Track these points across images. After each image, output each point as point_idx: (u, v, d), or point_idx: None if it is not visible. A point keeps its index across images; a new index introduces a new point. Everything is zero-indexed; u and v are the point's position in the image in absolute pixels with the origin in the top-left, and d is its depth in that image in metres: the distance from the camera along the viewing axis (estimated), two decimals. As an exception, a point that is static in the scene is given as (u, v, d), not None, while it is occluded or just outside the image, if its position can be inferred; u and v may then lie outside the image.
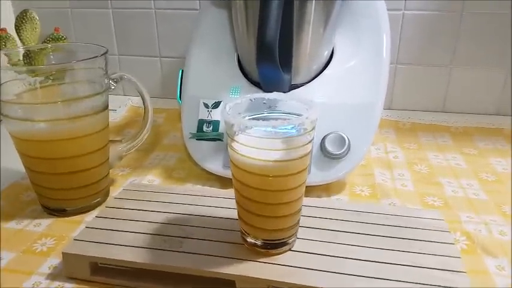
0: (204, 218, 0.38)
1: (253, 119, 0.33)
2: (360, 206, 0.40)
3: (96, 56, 0.39)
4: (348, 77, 0.49)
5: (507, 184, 0.48)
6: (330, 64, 0.50)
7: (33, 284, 0.33)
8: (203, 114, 0.49)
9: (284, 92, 0.48)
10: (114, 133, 0.62)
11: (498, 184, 0.48)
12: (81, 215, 0.42)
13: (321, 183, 0.46)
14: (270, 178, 0.30)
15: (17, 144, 0.40)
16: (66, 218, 0.42)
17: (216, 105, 0.49)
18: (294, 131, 0.29)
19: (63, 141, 0.39)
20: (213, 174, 0.48)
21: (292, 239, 0.34)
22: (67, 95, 0.39)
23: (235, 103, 0.32)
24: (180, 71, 0.53)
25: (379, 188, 0.47)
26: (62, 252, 0.33)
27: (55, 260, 0.36)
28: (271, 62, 0.43)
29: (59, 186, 0.41)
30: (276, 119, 0.33)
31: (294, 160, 0.30)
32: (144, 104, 0.45)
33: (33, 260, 0.36)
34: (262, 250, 0.33)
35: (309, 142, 0.30)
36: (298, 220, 0.34)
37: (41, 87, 0.39)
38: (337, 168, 0.45)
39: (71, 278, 0.34)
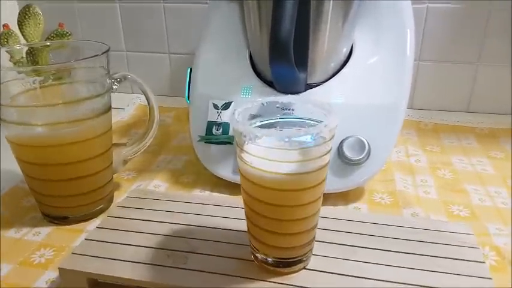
0: (211, 230, 0.35)
1: (265, 125, 0.30)
2: (380, 218, 0.36)
3: (97, 55, 0.36)
4: (368, 75, 0.45)
5: (539, 192, 0.45)
6: (349, 62, 0.46)
7: (28, 301, 0.31)
8: (212, 116, 0.47)
9: (299, 92, 0.45)
10: (120, 133, 0.60)
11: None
12: (83, 223, 0.40)
13: (338, 191, 0.43)
14: (283, 192, 0.27)
15: (14, 150, 0.37)
16: (67, 227, 0.40)
17: (226, 106, 0.47)
18: (310, 139, 0.27)
19: (62, 146, 0.36)
20: (223, 179, 0.45)
21: (307, 256, 0.31)
22: (66, 96, 0.37)
23: (245, 108, 0.29)
24: (189, 70, 0.51)
25: (401, 196, 0.44)
26: (59, 268, 0.31)
27: (53, 274, 0.34)
28: (286, 60, 0.40)
29: (59, 193, 0.38)
30: (290, 126, 0.30)
31: (310, 173, 0.27)
32: (149, 106, 0.42)
33: (30, 273, 0.34)
34: (274, 268, 0.30)
35: (327, 152, 0.27)
36: (314, 236, 0.31)
37: (40, 87, 0.36)
38: (356, 174, 0.42)
39: (69, 294, 0.32)
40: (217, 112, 0.47)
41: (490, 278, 0.30)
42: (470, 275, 0.30)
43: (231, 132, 0.45)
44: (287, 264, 0.30)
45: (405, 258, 0.32)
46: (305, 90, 0.45)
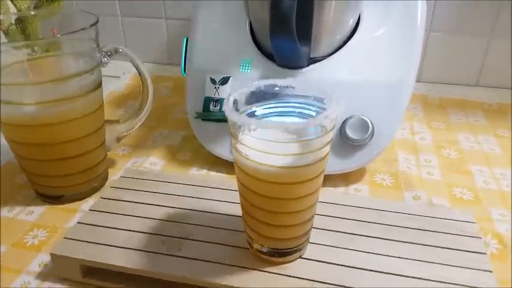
0: (207, 214, 0.34)
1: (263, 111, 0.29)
2: (380, 203, 0.35)
3: (84, 28, 0.34)
4: (375, 49, 0.43)
5: (547, 175, 0.43)
6: (355, 34, 0.44)
7: (21, 285, 0.31)
8: (210, 91, 0.45)
9: (301, 67, 0.43)
10: (116, 105, 0.58)
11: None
12: (78, 202, 0.39)
13: (339, 172, 0.41)
14: (279, 185, 0.26)
15: (3, 129, 0.36)
16: (61, 206, 0.39)
17: (225, 81, 0.45)
18: (309, 130, 0.25)
19: (51, 125, 0.35)
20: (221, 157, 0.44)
21: (303, 245, 0.30)
22: (54, 73, 0.35)
23: (240, 92, 0.27)
24: (185, 39, 0.48)
25: (403, 177, 0.43)
26: (51, 254, 0.31)
27: (46, 256, 0.33)
28: (287, 33, 0.37)
29: (51, 173, 0.37)
30: (290, 111, 0.29)
31: (308, 166, 0.25)
32: (142, 83, 0.40)
33: (23, 256, 0.34)
34: (269, 258, 0.29)
35: (327, 143, 0.26)
36: (311, 226, 0.30)
37: (27, 60, 0.34)
38: (358, 156, 0.41)
39: (63, 279, 0.31)
40: (215, 87, 0.45)
41: (490, 271, 0.29)
42: (470, 267, 0.29)
43: (229, 109, 0.44)
44: (282, 254, 0.29)
45: (404, 248, 0.31)
46: (308, 65, 0.43)
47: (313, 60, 0.43)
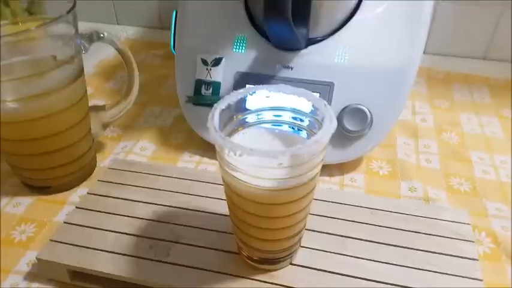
0: (197, 214, 0.33)
1: (252, 119, 0.27)
2: (375, 201, 0.34)
3: (60, 16, 0.31)
4: (378, 29, 0.40)
5: (548, 164, 0.42)
6: (357, 12, 0.41)
7: (11, 285, 0.31)
8: (201, 73, 0.42)
9: (299, 49, 0.40)
10: (105, 76, 0.56)
11: (538, 164, 0.42)
12: (66, 192, 0.38)
13: (335, 163, 0.40)
14: (269, 205, 0.25)
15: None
16: (49, 197, 0.38)
17: (217, 62, 0.42)
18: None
19: (32, 121, 0.33)
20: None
21: (294, 252, 0.29)
22: (29, 68, 0.32)
23: (228, 103, 0.25)
24: (174, 13, 0.45)
25: (400, 166, 0.41)
26: (37, 258, 0.30)
27: (34, 254, 0.33)
28: (282, 18, 0.34)
29: (37, 167, 0.36)
30: (281, 122, 0.27)
31: (299, 187, 0.24)
32: (128, 69, 0.38)
33: (11, 254, 0.33)
34: (259, 265, 0.29)
35: (318, 164, 0.24)
36: (302, 234, 0.29)
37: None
38: (355, 146, 0.39)
39: (52, 280, 0.31)
40: (207, 69, 0.42)
41: (480, 280, 0.29)
42: (462, 275, 0.29)
43: (222, 93, 0.42)
44: (272, 262, 0.29)
45: (397, 254, 0.30)
46: (306, 47, 0.40)
47: (312, 41, 0.40)
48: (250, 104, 0.27)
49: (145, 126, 0.47)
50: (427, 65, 0.57)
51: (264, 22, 0.35)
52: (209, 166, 0.42)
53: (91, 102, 0.48)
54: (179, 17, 0.44)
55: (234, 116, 0.26)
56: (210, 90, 0.42)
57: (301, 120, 0.26)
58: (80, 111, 0.36)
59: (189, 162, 0.42)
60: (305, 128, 0.27)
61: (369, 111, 0.38)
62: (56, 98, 0.33)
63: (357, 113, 0.38)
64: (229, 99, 0.26)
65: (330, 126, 0.23)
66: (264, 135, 0.27)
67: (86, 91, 0.37)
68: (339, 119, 0.39)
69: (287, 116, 0.27)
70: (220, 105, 0.25)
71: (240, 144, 0.22)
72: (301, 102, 0.26)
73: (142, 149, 0.44)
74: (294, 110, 0.26)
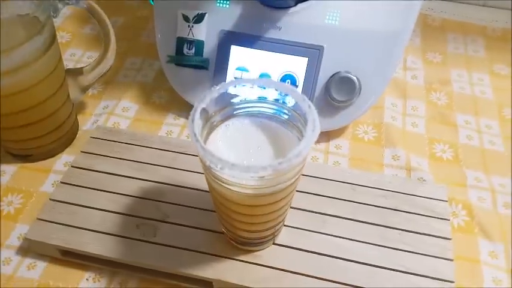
0: (182, 190, 0.34)
1: (240, 109, 0.26)
2: (357, 176, 0.35)
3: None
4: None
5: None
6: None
7: (3, 261, 0.32)
8: (183, 31, 0.39)
9: (289, 7, 0.38)
10: (81, 19, 0.52)
11: (522, 128, 0.42)
12: (50, 160, 0.38)
13: (322, 131, 0.40)
14: (251, 207, 0.25)
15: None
16: (33, 165, 0.38)
17: (199, 18, 0.39)
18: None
19: (7, 96, 0.31)
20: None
21: (277, 233, 0.30)
22: None
23: (211, 98, 0.24)
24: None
25: (386, 131, 0.41)
26: (26, 237, 0.31)
27: (23, 227, 0.34)
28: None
29: (16, 138, 0.35)
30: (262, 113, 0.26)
31: (280, 191, 0.24)
32: (102, 29, 0.35)
33: (1, 227, 0.34)
34: (242, 246, 0.30)
35: (300, 170, 0.24)
36: (284, 218, 0.30)
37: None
38: (343, 114, 0.39)
39: (43, 255, 0.32)
40: (188, 26, 0.39)
41: (451, 260, 0.31)
42: (433, 254, 0.31)
43: (205, 54, 0.39)
44: (256, 244, 0.30)
45: (373, 232, 0.32)
46: (295, 4, 0.38)
47: (301, -1, 0.37)
48: (233, 92, 0.26)
49: (126, 81, 0.45)
50: (424, 11, 0.54)
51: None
52: (194, 129, 0.41)
53: (68, 51, 0.45)
54: (157, -36, 0.40)
55: (216, 111, 0.26)
56: (193, 50, 0.40)
57: (284, 114, 0.26)
58: (56, 79, 0.34)
59: (174, 125, 0.41)
60: (287, 120, 0.26)
61: (358, 79, 0.37)
62: (29, 71, 0.31)
63: (346, 83, 0.37)
64: (210, 95, 0.25)
65: (312, 135, 0.23)
66: (247, 126, 0.27)
67: (60, 58, 0.35)
68: (327, 87, 0.38)
69: (270, 107, 0.26)
70: (201, 104, 0.24)
71: (220, 158, 0.21)
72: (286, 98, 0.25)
73: (125, 110, 0.42)
74: (276, 103, 0.26)
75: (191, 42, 0.40)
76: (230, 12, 0.39)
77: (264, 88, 0.25)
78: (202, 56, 0.39)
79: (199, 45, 0.39)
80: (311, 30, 0.38)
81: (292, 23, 0.38)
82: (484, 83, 0.47)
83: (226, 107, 0.26)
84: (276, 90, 0.25)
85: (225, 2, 0.39)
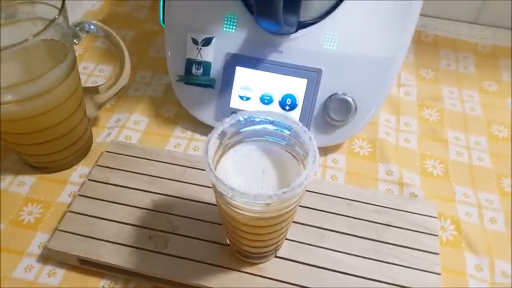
0: (191, 204, 0.36)
1: (246, 132, 0.29)
2: (352, 192, 0.38)
3: (49, 25, 0.30)
4: (367, 16, 0.39)
5: (516, 146, 0.45)
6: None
7: (25, 268, 0.35)
8: (192, 53, 0.42)
9: (290, 33, 0.40)
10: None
11: (507, 144, 0.45)
12: (66, 171, 0.41)
13: (319, 146, 0.42)
14: (255, 227, 0.28)
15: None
16: (50, 176, 0.40)
17: (207, 42, 0.42)
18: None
19: (27, 119, 0.34)
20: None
21: (279, 246, 0.33)
22: (24, 71, 0.32)
23: (222, 131, 0.27)
24: (162, -18, 0.43)
25: (380, 147, 0.44)
26: (47, 247, 0.34)
27: (43, 236, 0.36)
28: (274, 21, 0.34)
29: (33, 153, 0.38)
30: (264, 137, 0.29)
31: (284, 214, 0.27)
32: (118, 53, 0.37)
33: (22, 235, 0.36)
34: (246, 259, 0.33)
35: (302, 195, 0.27)
36: (286, 233, 0.33)
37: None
38: (339, 132, 0.41)
39: (62, 263, 0.35)
40: (197, 48, 0.42)
41: (438, 274, 0.33)
42: (422, 268, 0.33)
43: (212, 74, 0.42)
44: (259, 257, 0.33)
45: (367, 247, 0.34)
46: (296, 31, 0.40)
47: (303, 24, 0.40)
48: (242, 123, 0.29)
49: (136, 95, 0.48)
50: (417, 28, 0.56)
51: (256, 20, 0.35)
52: (200, 143, 0.44)
53: (81, 65, 0.47)
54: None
55: (227, 140, 0.28)
56: (201, 70, 0.42)
57: (286, 141, 0.29)
58: (76, 100, 0.37)
59: (182, 138, 0.44)
60: (287, 145, 0.29)
61: (354, 101, 0.40)
62: (51, 96, 0.34)
63: (343, 104, 0.40)
64: (222, 126, 0.27)
65: (313, 165, 0.25)
66: (253, 152, 0.30)
67: (79, 80, 0.37)
68: (325, 107, 0.40)
69: (273, 135, 0.29)
70: (214, 135, 0.27)
71: (232, 187, 0.24)
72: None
73: (136, 123, 0.45)
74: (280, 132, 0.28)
75: (199, 63, 0.42)
76: (236, 37, 0.41)
77: (271, 122, 0.28)
78: (209, 75, 0.42)
79: (206, 66, 0.42)
80: (310, 54, 0.40)
81: (293, 48, 0.40)
82: (473, 100, 0.49)
83: (235, 135, 0.29)
84: (280, 122, 0.28)
85: (231, 27, 0.41)
